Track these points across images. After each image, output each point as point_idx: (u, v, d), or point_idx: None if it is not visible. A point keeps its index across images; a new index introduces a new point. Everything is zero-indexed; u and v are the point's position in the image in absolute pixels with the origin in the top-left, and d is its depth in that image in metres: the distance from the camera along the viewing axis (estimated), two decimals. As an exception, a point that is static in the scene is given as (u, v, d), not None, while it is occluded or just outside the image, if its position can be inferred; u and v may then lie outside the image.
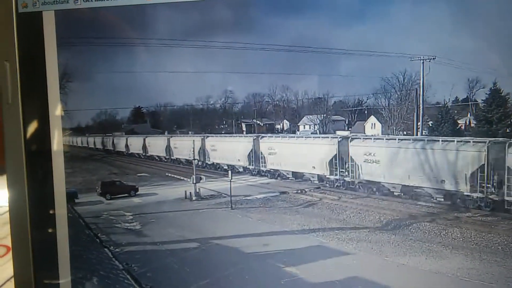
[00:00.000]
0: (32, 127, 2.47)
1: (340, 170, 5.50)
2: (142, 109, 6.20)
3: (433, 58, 4.47)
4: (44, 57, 2.46)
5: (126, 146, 6.94)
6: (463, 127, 5.41)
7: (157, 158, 6.95)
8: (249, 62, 4.62)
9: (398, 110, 5.58)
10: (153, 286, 3.90)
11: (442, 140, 4.81)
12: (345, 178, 5.48)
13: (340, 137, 5.63)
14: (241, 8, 3.21)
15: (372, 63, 4.33)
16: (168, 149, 6.81)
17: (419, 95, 5.11)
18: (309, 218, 5.15)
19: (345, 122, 6.37)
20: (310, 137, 5.93)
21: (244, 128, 6.83)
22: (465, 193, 4.65)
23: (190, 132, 6.59)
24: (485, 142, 4.61)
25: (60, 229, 2.54)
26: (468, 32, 3.58)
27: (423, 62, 4.61)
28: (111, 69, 4.02)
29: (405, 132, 5.58)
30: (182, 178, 6.12)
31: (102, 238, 4.39)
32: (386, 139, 5.31)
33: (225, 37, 3.87)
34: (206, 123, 6.70)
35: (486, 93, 4.70)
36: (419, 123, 5.28)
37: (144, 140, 6.94)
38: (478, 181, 4.56)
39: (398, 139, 5.20)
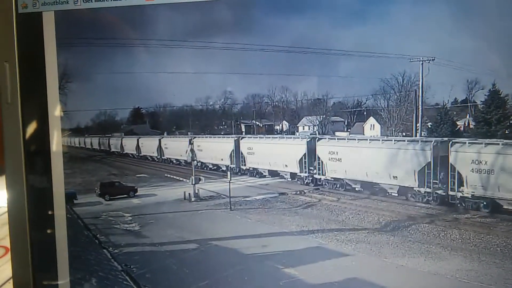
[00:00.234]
0: (32, 127, 2.46)
1: (309, 168, 5.90)
2: (141, 110, 6.20)
3: (433, 59, 4.47)
4: (44, 58, 2.46)
5: (121, 146, 7.18)
6: (462, 128, 5.42)
7: (149, 158, 7.23)
8: (249, 63, 4.62)
9: (397, 111, 5.59)
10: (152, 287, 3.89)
11: (394, 140, 5.31)
12: (313, 175, 5.88)
13: (308, 138, 6.05)
14: (240, 8, 3.22)
15: (371, 64, 4.34)
16: (159, 149, 7.11)
17: (418, 96, 5.12)
18: (308, 219, 5.16)
19: (344, 123, 6.38)
20: (284, 137, 6.36)
21: (243, 129, 6.84)
22: (415, 188, 5.05)
23: (189, 133, 6.66)
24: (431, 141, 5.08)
25: (59, 230, 2.53)
26: (468, 33, 3.58)
27: (422, 63, 4.61)
28: (110, 69, 4.02)
29: (404, 133, 5.59)
30: (181, 179, 6.12)
31: (101, 239, 4.38)
32: (348, 139, 5.80)
33: (225, 38, 3.87)
34: (206, 124, 6.71)
35: (485, 95, 4.72)
36: (418, 124, 5.29)
37: (138, 140, 7.19)
38: (426, 177, 4.98)
39: (358, 139, 5.66)
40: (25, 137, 2.45)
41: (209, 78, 4.70)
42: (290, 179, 6.16)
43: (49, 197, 2.49)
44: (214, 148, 6.71)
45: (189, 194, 5.74)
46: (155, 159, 7.16)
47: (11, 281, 2.55)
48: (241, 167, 6.48)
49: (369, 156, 5.36)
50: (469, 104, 5.19)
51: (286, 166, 6.12)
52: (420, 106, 5.18)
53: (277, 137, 6.40)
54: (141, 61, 3.77)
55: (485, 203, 4.63)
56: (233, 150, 6.57)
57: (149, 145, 7.16)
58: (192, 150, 6.06)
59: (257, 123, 6.76)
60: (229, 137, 6.60)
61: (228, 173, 5.82)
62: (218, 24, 3.35)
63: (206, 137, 6.59)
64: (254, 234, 4.71)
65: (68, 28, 2.52)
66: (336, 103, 6.17)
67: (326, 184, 5.79)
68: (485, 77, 4.22)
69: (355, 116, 6.15)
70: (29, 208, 2.45)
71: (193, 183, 5.77)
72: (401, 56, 4.41)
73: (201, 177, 5.91)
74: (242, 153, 6.54)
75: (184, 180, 5.98)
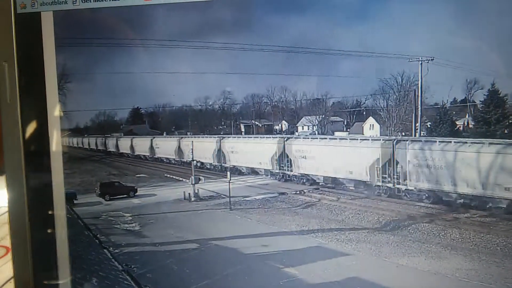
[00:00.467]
0: (31, 127, 2.46)
1: (280, 164, 6.33)
2: (140, 110, 6.21)
3: (432, 59, 4.48)
4: (43, 58, 2.46)
5: (116, 146, 7.41)
6: (461, 128, 5.42)
7: (142, 157, 7.50)
8: (248, 63, 4.63)
9: (397, 111, 5.59)
10: (152, 287, 3.89)
11: (349, 139, 5.86)
12: (285, 172, 6.31)
13: (279, 137, 6.50)
14: (240, 9, 3.22)
15: (370, 64, 4.35)
16: (151, 149, 7.38)
17: (418, 96, 5.13)
18: (308, 219, 5.16)
19: (344, 123, 6.39)
20: (260, 137, 6.80)
21: (242, 129, 6.85)
22: (367, 182, 5.53)
23: (188, 133, 6.78)
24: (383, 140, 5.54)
25: (59, 230, 2.53)
26: (467, 33, 3.59)
27: (421, 63, 4.62)
28: (110, 70, 4.03)
29: (403, 133, 5.60)
30: (181, 179, 6.13)
31: (101, 239, 4.38)
32: (311, 138, 6.24)
33: (224, 38, 3.88)
34: (205, 124, 6.72)
35: (484, 94, 4.72)
36: (417, 124, 5.29)
37: (131, 140, 7.44)
38: (376, 172, 5.47)
39: (320, 138, 6.16)
40: (25, 137, 2.45)
41: (208, 78, 4.71)
42: (265, 176, 6.58)
43: (49, 197, 2.49)
44: (201, 148, 6.91)
45: (189, 194, 5.75)
46: (148, 158, 7.45)
47: (11, 281, 2.55)
48: (224, 165, 6.81)
49: (330, 154, 5.85)
50: (468, 104, 5.20)
51: (260, 163, 6.58)
52: (419, 106, 5.18)
53: (257, 137, 6.84)
54: (141, 61, 3.77)
55: (426, 195, 5.09)
56: (216, 149, 6.91)
57: (142, 145, 7.42)
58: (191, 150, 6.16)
59: (257, 123, 6.77)
60: (213, 137, 6.94)
61: (228, 173, 5.82)
62: (217, 24, 3.35)
63: (193, 137, 6.88)
64: (254, 233, 4.72)
65: (67, 28, 2.52)
66: (335, 103, 6.18)
67: (294, 179, 6.22)
68: (484, 77, 4.24)
69: (354, 116, 6.16)
70: (29, 208, 2.45)
71: (193, 183, 5.77)
72: (400, 56, 4.42)
73: (200, 177, 5.92)
74: (223, 153, 6.90)
75: (184, 180, 5.98)
